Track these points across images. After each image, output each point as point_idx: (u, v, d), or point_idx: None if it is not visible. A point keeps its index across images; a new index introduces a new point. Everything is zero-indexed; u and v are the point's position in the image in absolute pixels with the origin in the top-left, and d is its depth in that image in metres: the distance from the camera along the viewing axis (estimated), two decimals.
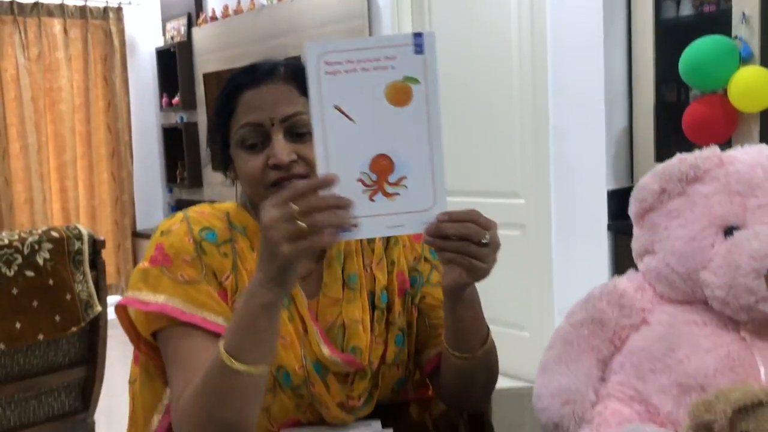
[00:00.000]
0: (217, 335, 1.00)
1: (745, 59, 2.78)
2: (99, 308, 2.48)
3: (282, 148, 1.04)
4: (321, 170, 0.85)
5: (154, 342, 1.08)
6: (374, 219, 0.86)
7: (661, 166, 0.95)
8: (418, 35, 0.86)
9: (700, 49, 2.77)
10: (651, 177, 0.95)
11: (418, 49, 0.86)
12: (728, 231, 0.87)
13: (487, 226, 0.92)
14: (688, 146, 3.07)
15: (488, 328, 1.09)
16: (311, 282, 1.14)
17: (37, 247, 2.33)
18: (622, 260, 3.13)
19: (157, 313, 1.03)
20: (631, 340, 0.92)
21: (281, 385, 1.07)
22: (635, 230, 0.99)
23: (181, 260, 1.05)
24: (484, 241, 0.91)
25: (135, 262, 5.72)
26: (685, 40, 2.92)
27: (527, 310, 3.55)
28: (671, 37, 3.15)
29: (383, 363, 1.15)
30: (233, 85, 1.10)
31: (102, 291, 2.52)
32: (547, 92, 3.31)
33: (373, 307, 1.15)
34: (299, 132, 1.06)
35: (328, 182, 0.85)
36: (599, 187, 3.18)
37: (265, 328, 0.91)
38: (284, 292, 0.90)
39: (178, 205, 5.88)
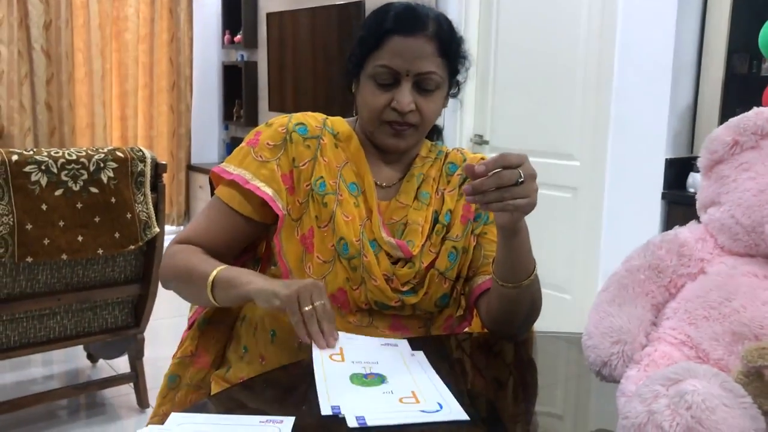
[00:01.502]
0: (242, 217, 1.25)
1: None
2: (157, 229, 2.57)
3: (406, 97, 1.20)
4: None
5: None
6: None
7: (735, 119, 0.94)
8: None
9: None
10: (725, 129, 0.94)
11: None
12: None
13: (519, 162, 1.02)
14: None
15: (535, 262, 1.19)
16: (390, 191, 1.32)
17: (102, 165, 2.41)
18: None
19: (231, 179, 1.24)
20: (687, 288, 0.92)
21: (339, 254, 1.22)
22: (702, 181, 0.98)
23: (265, 144, 1.26)
24: (520, 180, 1.01)
25: (188, 195, 5.86)
26: (762, 11, 2.82)
27: (571, 273, 3.55)
28: (748, 6, 3.04)
29: (433, 267, 1.27)
30: (385, 28, 1.21)
31: (161, 213, 2.61)
32: (614, 54, 3.25)
33: (435, 221, 1.29)
34: (425, 88, 1.22)
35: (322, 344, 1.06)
36: (658, 154, 3.13)
37: (238, 294, 1.13)
38: (266, 300, 1.10)
39: (233, 143, 5.97)
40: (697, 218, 1.01)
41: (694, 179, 3.04)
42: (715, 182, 0.95)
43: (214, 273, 1.15)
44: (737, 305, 0.86)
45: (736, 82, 3.11)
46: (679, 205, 3.08)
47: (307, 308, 1.04)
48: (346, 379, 1.00)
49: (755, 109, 0.93)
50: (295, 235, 1.24)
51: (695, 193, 2.67)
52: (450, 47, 1.23)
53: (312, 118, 1.30)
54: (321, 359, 1.03)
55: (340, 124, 1.32)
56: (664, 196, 3.12)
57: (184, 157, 5.81)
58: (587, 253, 3.46)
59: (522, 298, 1.19)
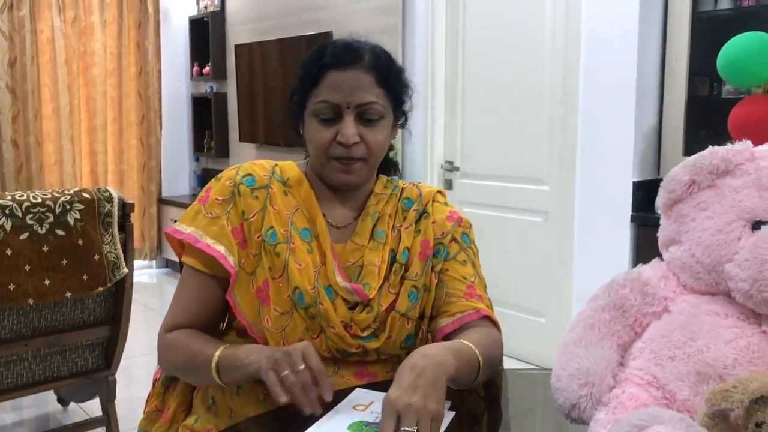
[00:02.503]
0: (215, 278, 1.24)
1: None
2: (125, 270, 2.54)
3: (350, 129, 1.21)
4: None
5: None
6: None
7: (692, 158, 0.95)
8: None
9: (738, 45, 2.74)
10: (682, 168, 0.96)
11: None
12: (756, 225, 0.88)
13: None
14: (718, 140, 3.05)
15: (479, 359, 1.12)
16: (345, 232, 1.31)
17: (68, 206, 2.38)
18: (644, 252, 3.12)
19: (183, 240, 1.24)
20: (651, 327, 0.93)
21: (296, 304, 1.20)
22: (662, 220, 1.00)
23: (214, 200, 1.26)
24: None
25: (160, 228, 5.80)
26: (721, 35, 2.89)
27: (545, 297, 3.56)
28: (707, 31, 3.11)
29: (393, 309, 1.25)
30: (322, 63, 1.23)
31: (129, 253, 2.58)
32: (578, 80, 3.30)
33: (393, 260, 1.28)
34: (368, 118, 1.22)
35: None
36: (625, 177, 3.17)
37: (243, 375, 1.12)
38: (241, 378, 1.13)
39: (204, 174, 5.94)
40: (660, 255, 1.02)
41: None
42: (675, 221, 0.96)
43: (216, 358, 1.15)
44: (701, 345, 0.86)
45: (698, 105, 3.17)
46: (648, 227, 3.12)
47: (284, 373, 1.03)
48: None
49: (710, 148, 0.95)
50: (251, 289, 1.22)
51: None
52: (388, 77, 1.24)
53: (260, 168, 1.29)
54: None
55: (290, 169, 1.31)
56: (633, 219, 3.16)
57: (155, 190, 5.76)
58: (560, 276, 3.48)
59: (478, 384, 1.17)
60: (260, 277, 1.21)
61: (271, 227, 1.23)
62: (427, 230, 1.30)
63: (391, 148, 1.35)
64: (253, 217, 1.24)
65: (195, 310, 1.25)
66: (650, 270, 0.98)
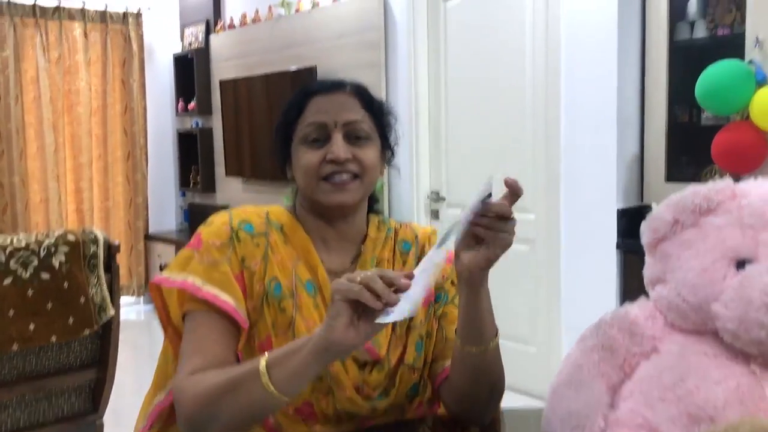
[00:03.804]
0: (228, 318, 1.12)
1: (760, 83, 2.79)
2: (112, 312, 2.51)
3: (341, 146, 1.18)
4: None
5: (179, 328, 1.18)
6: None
7: (674, 197, 0.96)
8: None
9: (716, 73, 2.78)
10: (665, 207, 0.96)
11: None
12: (740, 264, 0.88)
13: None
14: (699, 167, 3.07)
15: (497, 326, 1.15)
16: None
17: (53, 249, 2.36)
18: (630, 279, 3.13)
19: (179, 290, 1.14)
20: (641, 368, 0.93)
21: None
22: (647, 259, 1.00)
23: (211, 245, 1.17)
24: (512, 216, 1.05)
25: (147, 264, 5.76)
26: (698, 63, 2.94)
27: (534, 326, 3.56)
28: (684, 59, 3.16)
29: (402, 363, 1.21)
30: (305, 92, 1.23)
31: (115, 294, 2.55)
32: (560, 110, 3.33)
33: None
34: (357, 136, 1.20)
35: (401, 286, 0.96)
36: (609, 205, 3.19)
37: (303, 358, 0.97)
38: (325, 333, 0.96)
39: (191, 210, 5.92)
40: (646, 293, 1.02)
41: None
42: (660, 260, 0.96)
43: (264, 359, 0.99)
44: (691, 386, 0.86)
45: (678, 131, 3.21)
46: (633, 254, 3.13)
47: (358, 279, 0.95)
48: None
49: (691, 187, 0.96)
50: (252, 344, 1.15)
51: None
52: (372, 103, 1.24)
53: (254, 215, 1.23)
54: None
55: (281, 214, 1.25)
56: (618, 246, 3.17)
57: (141, 226, 5.73)
58: (548, 304, 3.48)
59: (487, 365, 1.13)
60: (263, 332, 1.15)
61: (275, 278, 1.17)
62: None
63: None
64: (255, 265, 1.17)
65: (213, 351, 1.10)
66: (637, 309, 0.98)
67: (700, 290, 0.89)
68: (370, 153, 1.20)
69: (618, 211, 3.16)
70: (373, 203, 1.32)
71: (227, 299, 1.13)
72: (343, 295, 0.94)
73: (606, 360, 0.95)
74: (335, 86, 1.22)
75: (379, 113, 1.25)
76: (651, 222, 0.97)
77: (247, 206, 1.27)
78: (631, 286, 3.13)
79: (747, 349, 0.86)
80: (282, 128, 1.25)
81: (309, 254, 1.21)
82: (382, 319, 0.94)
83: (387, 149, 1.28)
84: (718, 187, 0.94)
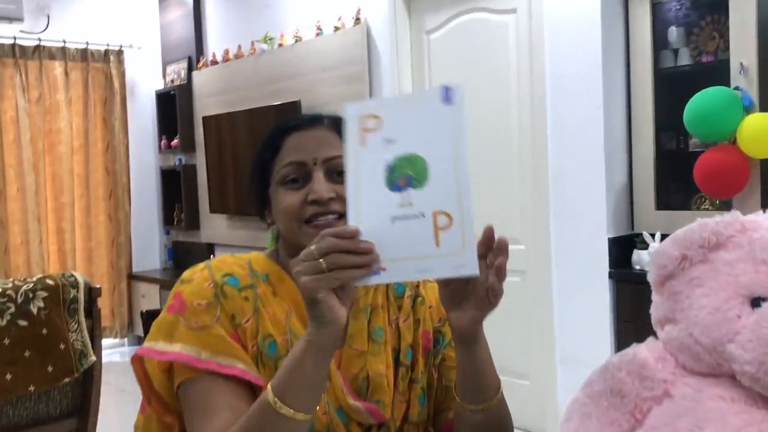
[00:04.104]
0: (234, 379, 1.03)
1: (747, 109, 2.78)
2: (93, 358, 2.43)
3: (322, 185, 1.09)
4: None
5: (166, 398, 1.09)
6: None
7: (681, 232, 0.92)
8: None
9: (704, 99, 2.78)
10: (671, 243, 0.92)
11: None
12: (755, 302, 0.83)
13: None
14: (689, 194, 3.04)
15: (499, 379, 1.09)
16: None
17: (31, 295, 2.28)
18: (624, 309, 3.09)
19: (175, 362, 1.05)
20: (653, 414, 0.88)
21: None
22: (655, 297, 0.95)
23: (196, 306, 1.07)
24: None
25: (130, 305, 5.66)
26: (684, 90, 2.94)
27: (528, 359, 3.49)
28: (670, 86, 3.16)
29: (406, 421, 1.15)
30: (280, 129, 1.16)
31: (97, 339, 2.47)
32: (546, 139, 3.31)
33: (397, 363, 1.16)
34: (340, 172, 1.10)
35: (351, 233, 0.87)
36: (600, 234, 3.16)
37: (309, 368, 0.91)
38: (321, 332, 0.89)
39: (175, 248, 5.84)
40: (653, 333, 0.97)
41: (639, 256, 3.07)
42: (668, 298, 0.91)
43: (268, 391, 0.92)
44: None
45: (666, 158, 3.20)
46: (626, 283, 3.09)
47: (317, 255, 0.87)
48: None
49: (699, 220, 0.91)
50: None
51: (641, 270, 2.68)
52: None
53: (236, 266, 1.13)
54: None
55: (264, 263, 1.16)
56: (610, 275, 3.13)
57: (124, 266, 5.63)
58: (541, 336, 3.42)
59: (492, 421, 1.07)
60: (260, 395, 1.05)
61: (269, 336, 1.08)
62: (425, 319, 1.19)
63: None
64: (246, 322, 1.08)
65: (226, 416, 1.01)
66: (646, 351, 0.93)
67: (713, 330, 0.84)
68: None
69: (609, 239, 3.13)
70: None
71: (232, 363, 1.04)
72: (314, 290, 0.87)
73: (615, 406, 0.89)
74: (312, 121, 1.16)
75: None
76: (657, 258, 0.92)
77: (226, 256, 1.17)
78: (625, 315, 3.08)
79: (767, 392, 0.81)
80: (258, 170, 1.17)
81: (300, 306, 1.09)
82: (367, 281, 0.88)
83: None
84: (727, 220, 0.90)
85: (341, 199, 1.08)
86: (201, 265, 1.14)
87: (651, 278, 0.94)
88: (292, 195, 1.11)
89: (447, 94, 0.89)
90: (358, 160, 0.89)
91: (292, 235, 1.12)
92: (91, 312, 2.46)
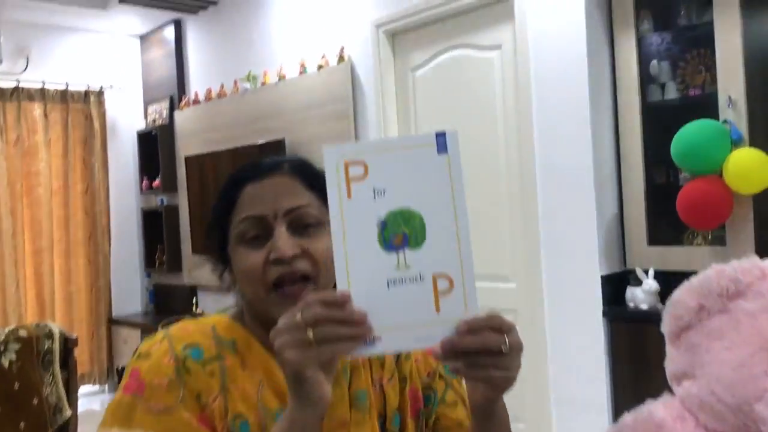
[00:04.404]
0: None
1: (735, 142, 2.76)
2: (69, 412, 2.31)
3: (285, 241, 0.97)
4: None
5: None
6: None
7: (696, 280, 0.85)
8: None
9: (691, 133, 2.75)
10: (686, 292, 0.85)
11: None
12: None
13: (507, 329, 0.83)
14: (680, 230, 2.97)
15: None
16: None
17: (2, 348, 2.18)
18: (619, 347, 3.01)
19: None
20: None
21: None
22: (669, 349, 0.88)
23: (156, 386, 0.95)
24: (503, 349, 0.82)
25: (110, 350, 5.50)
26: (671, 123, 2.91)
27: (522, 401, 3.39)
28: (658, 120, 3.14)
29: None
30: (234, 180, 1.05)
31: (72, 393, 2.36)
32: (535, 177, 3.27)
33: (382, 429, 1.05)
34: (304, 224, 1.00)
35: (342, 300, 0.78)
36: (592, 271, 3.09)
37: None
38: (306, 412, 0.81)
39: (156, 291, 5.71)
40: (669, 388, 0.90)
41: (633, 293, 3.00)
42: (686, 351, 0.84)
43: None
44: None
45: (657, 193, 3.15)
46: (620, 321, 3.02)
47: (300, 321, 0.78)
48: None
49: (715, 267, 0.85)
50: None
51: (635, 308, 2.59)
52: (317, 180, 1.02)
53: (199, 335, 1.01)
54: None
55: (231, 328, 1.04)
56: (604, 313, 3.06)
57: (104, 310, 5.49)
58: (535, 377, 3.33)
59: None
60: None
61: (239, 415, 0.96)
62: (412, 375, 1.08)
63: None
64: (213, 401, 0.96)
65: None
66: (663, 409, 0.86)
67: (738, 388, 0.77)
68: (322, 242, 0.99)
69: (602, 277, 3.07)
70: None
71: None
72: (301, 366, 0.77)
73: None
74: (270, 168, 1.04)
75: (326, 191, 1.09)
76: (673, 308, 0.85)
77: (187, 322, 1.05)
78: (621, 355, 3.00)
79: None
80: (214, 227, 1.06)
81: (273, 376, 0.99)
82: (361, 352, 0.79)
83: None
84: (745, 266, 0.83)
85: (308, 256, 0.98)
86: (159, 334, 1.02)
87: (666, 329, 0.87)
88: (252, 254, 0.99)
89: (441, 142, 0.83)
90: (345, 213, 0.81)
91: (258, 302, 1.00)
92: (67, 363, 2.36)
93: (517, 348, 0.83)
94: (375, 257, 0.80)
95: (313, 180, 1.03)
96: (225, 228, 1.04)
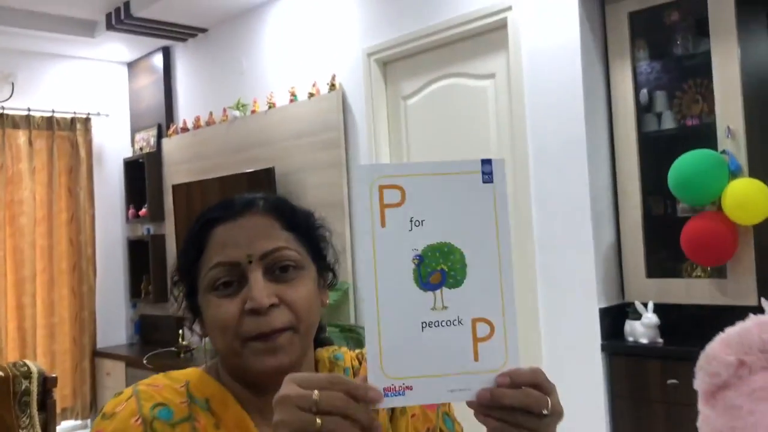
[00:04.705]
0: None
1: (734, 173, 2.71)
2: None
3: (261, 289, 0.88)
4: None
5: None
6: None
7: (734, 332, 0.78)
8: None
9: (689, 163, 2.70)
10: (723, 346, 0.78)
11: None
12: None
13: (550, 390, 0.77)
14: (679, 261, 2.89)
15: None
16: None
17: None
18: (618, 383, 2.93)
19: None
20: None
21: None
22: (703, 409, 0.80)
23: None
24: (545, 411, 0.74)
25: (93, 384, 5.35)
26: (668, 154, 2.87)
27: None
28: (655, 150, 3.09)
29: None
30: (203, 221, 0.95)
31: None
32: (531, 208, 3.20)
33: None
34: (283, 268, 0.91)
35: (372, 399, 0.69)
36: (590, 305, 3.02)
37: None
38: None
39: (142, 322, 5.59)
40: (671, 427, 0.82)
41: (632, 327, 2.93)
42: (724, 413, 0.76)
43: None
44: None
45: (654, 224, 3.10)
46: (620, 356, 2.94)
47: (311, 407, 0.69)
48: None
49: (753, 318, 0.77)
50: None
51: (635, 342, 2.49)
52: (294, 218, 0.96)
53: (170, 391, 0.92)
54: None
55: (205, 384, 0.95)
56: (603, 348, 2.98)
57: (88, 342, 5.35)
58: None
59: None
60: None
61: None
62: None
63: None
64: None
65: None
66: None
67: None
68: (302, 288, 0.92)
69: (600, 310, 2.99)
70: (319, 333, 1.02)
71: None
72: None
73: None
74: (243, 207, 0.94)
75: (306, 229, 0.98)
76: (707, 364, 0.77)
77: (158, 377, 0.96)
78: (620, 391, 2.91)
79: None
80: (182, 274, 0.97)
81: None
82: (388, 402, 0.71)
83: (325, 271, 1.00)
84: None
85: (287, 304, 0.90)
86: (127, 391, 0.93)
87: (699, 387, 0.79)
88: (226, 305, 0.89)
89: (488, 170, 0.75)
90: (378, 243, 0.72)
91: (233, 356, 0.91)
92: (45, 404, 2.24)
93: (557, 413, 0.76)
94: (409, 296, 0.72)
95: (291, 218, 0.96)
96: (194, 275, 0.94)
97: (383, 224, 0.72)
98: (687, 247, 2.77)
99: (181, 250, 0.97)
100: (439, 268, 0.72)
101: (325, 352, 1.05)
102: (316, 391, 0.69)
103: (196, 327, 0.97)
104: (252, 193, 0.99)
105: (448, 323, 0.72)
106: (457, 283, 0.72)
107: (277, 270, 0.91)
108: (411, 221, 0.73)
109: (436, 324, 0.72)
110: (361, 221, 0.73)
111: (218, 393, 0.94)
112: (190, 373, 0.97)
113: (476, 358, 0.72)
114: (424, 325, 0.71)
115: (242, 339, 0.89)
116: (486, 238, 0.73)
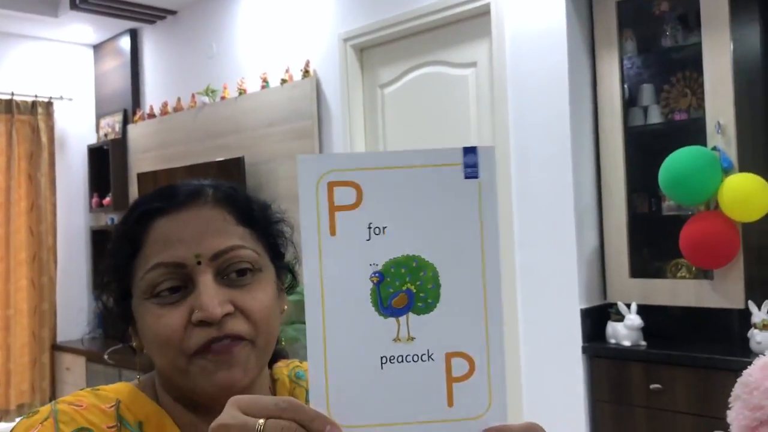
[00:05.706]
0: None
1: (726, 170, 2.60)
2: None
3: (212, 296, 0.73)
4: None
5: None
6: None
7: None
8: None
9: (681, 161, 2.59)
10: (766, 372, 0.63)
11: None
12: None
13: None
14: (663, 261, 2.76)
15: None
16: None
17: None
18: (599, 386, 2.81)
19: None
20: None
21: None
22: None
23: None
24: None
25: (53, 379, 5.14)
26: (655, 149, 2.75)
27: None
28: (641, 146, 2.98)
29: None
30: (140, 212, 0.78)
31: None
32: (511, 204, 3.07)
33: None
34: (238, 270, 0.77)
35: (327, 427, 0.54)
36: (572, 305, 2.90)
37: None
38: None
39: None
40: (633, 414, 0.68)
41: (614, 328, 2.81)
42: None
43: None
44: None
45: (639, 223, 2.99)
46: (601, 359, 2.83)
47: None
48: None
49: None
50: None
51: (617, 344, 2.32)
52: (250, 211, 0.81)
53: (95, 412, 0.77)
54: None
55: (140, 403, 0.81)
56: (584, 350, 2.86)
57: (47, 335, 5.13)
58: (510, 418, 3.11)
59: None
60: None
61: None
62: None
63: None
64: None
65: None
66: None
67: None
68: (260, 294, 0.77)
69: (581, 311, 2.87)
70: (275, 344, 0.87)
71: None
72: None
73: None
74: (189, 197, 0.79)
75: (264, 223, 0.83)
76: (748, 395, 0.64)
77: (83, 395, 0.80)
78: (601, 394, 2.80)
79: None
80: (112, 275, 0.81)
81: None
82: None
83: (283, 272, 0.86)
84: None
85: (244, 312, 0.75)
86: (44, 410, 0.77)
87: (737, 421, 0.65)
88: (167, 315, 0.75)
89: (471, 161, 0.57)
90: (325, 257, 0.56)
91: (177, 375, 0.76)
92: None
93: None
94: (365, 323, 0.56)
95: (247, 211, 0.81)
96: (127, 277, 0.79)
97: (332, 232, 0.56)
98: (688, 250, 2.64)
99: (111, 246, 0.81)
100: (404, 289, 0.56)
101: (284, 369, 0.89)
102: (261, 420, 0.54)
103: (133, 336, 0.81)
104: (199, 180, 0.82)
105: (416, 358, 0.56)
106: (427, 308, 0.57)
107: (232, 272, 0.77)
108: (369, 228, 0.56)
109: (400, 359, 0.56)
110: (305, 228, 0.56)
111: (154, 415, 0.79)
112: (122, 389, 0.82)
113: (450, 403, 0.56)
114: (384, 360, 0.56)
115: (188, 355, 0.74)
116: (466, 250, 0.57)
